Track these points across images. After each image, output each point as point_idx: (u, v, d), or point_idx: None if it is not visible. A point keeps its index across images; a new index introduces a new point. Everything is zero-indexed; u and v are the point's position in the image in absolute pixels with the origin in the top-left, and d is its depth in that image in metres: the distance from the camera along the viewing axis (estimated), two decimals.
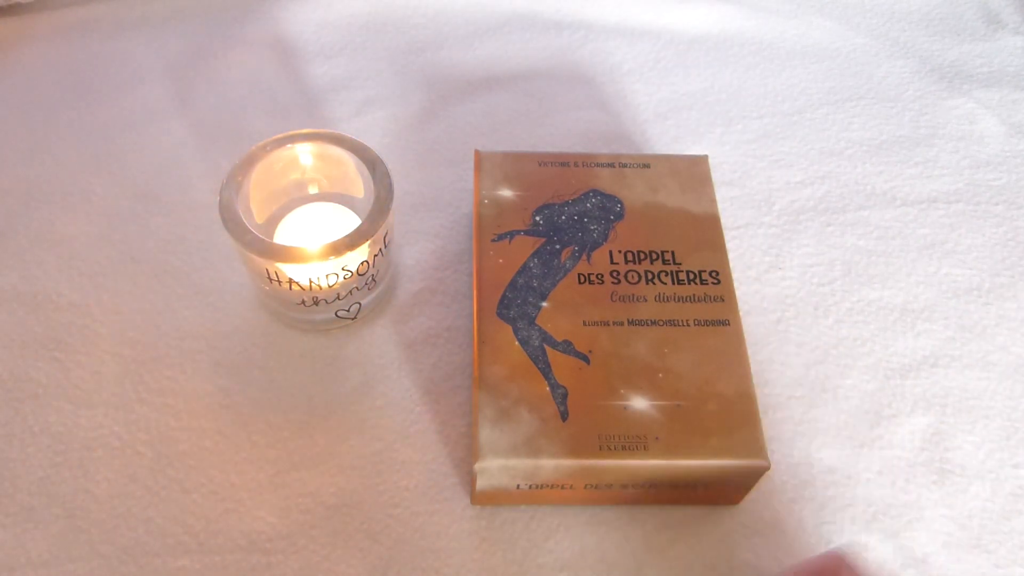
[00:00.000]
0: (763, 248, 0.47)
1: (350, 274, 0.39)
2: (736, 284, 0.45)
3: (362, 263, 0.38)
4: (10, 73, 0.53)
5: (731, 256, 0.46)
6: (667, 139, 0.52)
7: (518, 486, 0.35)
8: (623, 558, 0.37)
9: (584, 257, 0.40)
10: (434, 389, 0.41)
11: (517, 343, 0.37)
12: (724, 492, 0.37)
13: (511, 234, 0.40)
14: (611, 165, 0.43)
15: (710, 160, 0.46)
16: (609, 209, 0.41)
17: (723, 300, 0.39)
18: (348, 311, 0.41)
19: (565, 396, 0.35)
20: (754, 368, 0.42)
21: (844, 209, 0.49)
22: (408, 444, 0.39)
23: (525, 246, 0.40)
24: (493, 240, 0.40)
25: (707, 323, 0.38)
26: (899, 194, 0.50)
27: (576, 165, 0.43)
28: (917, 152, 0.52)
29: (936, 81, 0.56)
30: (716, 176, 0.50)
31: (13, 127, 0.50)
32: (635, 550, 0.37)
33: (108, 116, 0.51)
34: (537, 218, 0.41)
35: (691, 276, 0.39)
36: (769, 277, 0.46)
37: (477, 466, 0.34)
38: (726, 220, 0.48)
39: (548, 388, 0.36)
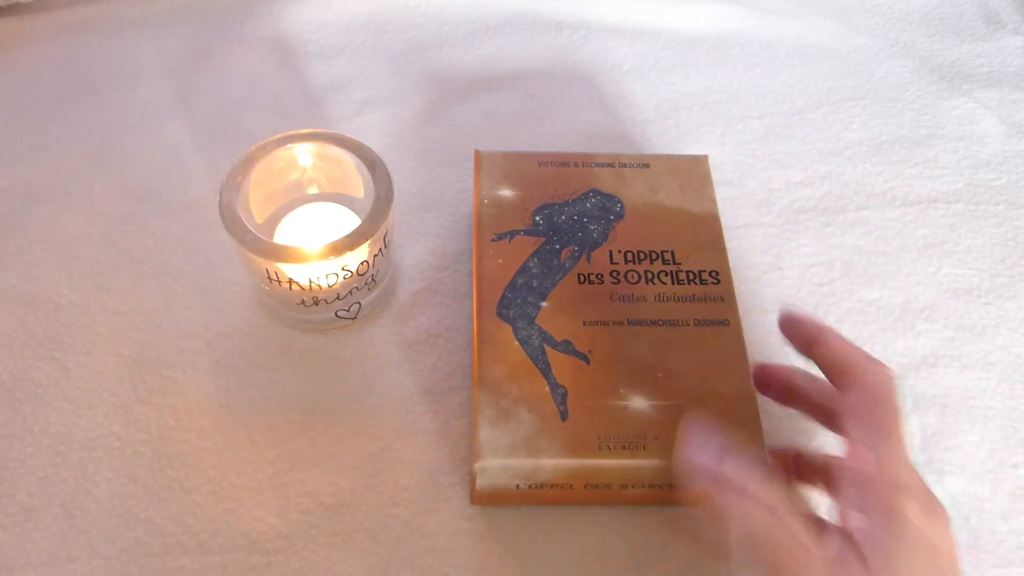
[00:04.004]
0: (763, 248, 0.47)
1: (350, 274, 0.39)
2: (736, 284, 0.45)
3: (362, 263, 0.38)
4: (10, 73, 0.53)
5: (731, 256, 0.46)
6: (667, 139, 0.52)
7: (517, 486, 0.35)
8: (623, 558, 0.37)
9: (584, 257, 0.40)
10: (434, 389, 0.41)
11: (517, 343, 0.37)
12: None
13: (511, 234, 0.40)
14: (611, 165, 0.43)
15: (710, 160, 0.46)
16: (609, 209, 0.41)
17: (723, 300, 0.39)
18: (348, 311, 0.41)
19: (565, 396, 0.35)
20: None
21: (844, 209, 0.49)
22: (408, 444, 0.39)
23: (525, 246, 0.40)
24: (493, 240, 0.40)
25: (707, 323, 0.38)
26: (899, 194, 0.50)
27: (576, 165, 0.43)
28: (917, 152, 0.52)
29: (936, 81, 0.56)
30: (716, 176, 0.50)
31: (13, 127, 0.50)
32: (635, 550, 0.37)
33: (108, 116, 0.51)
34: (537, 218, 0.41)
35: (691, 276, 0.39)
36: (769, 277, 0.46)
37: (477, 466, 0.34)
38: (726, 220, 0.48)
39: (548, 388, 0.35)
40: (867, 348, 0.43)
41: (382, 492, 0.38)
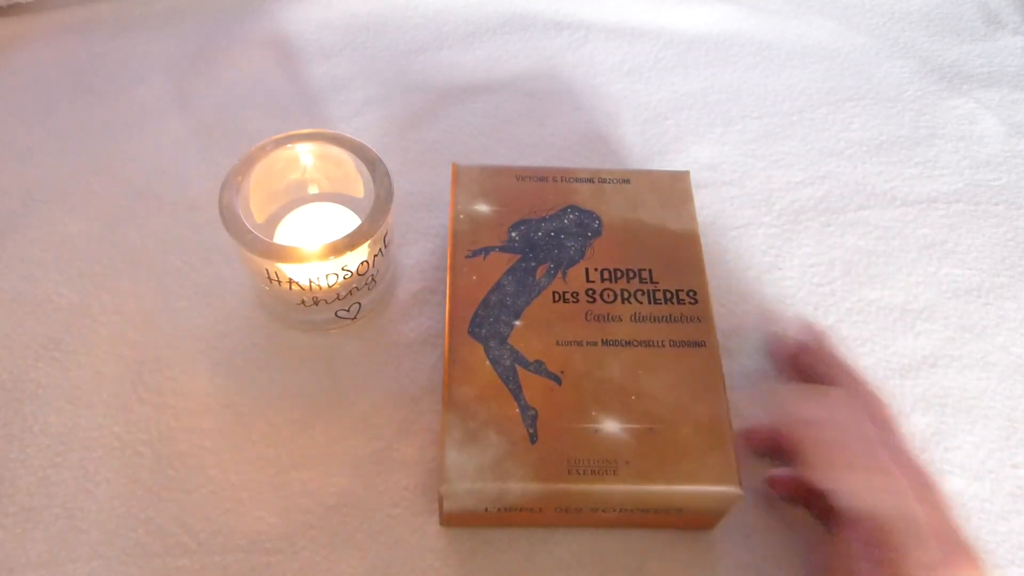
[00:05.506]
0: (763, 248, 0.47)
1: (350, 274, 0.39)
2: (736, 284, 0.45)
3: (362, 263, 0.39)
4: (10, 73, 0.53)
5: (731, 256, 0.46)
6: (667, 139, 0.52)
7: (486, 509, 0.35)
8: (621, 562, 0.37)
9: (559, 274, 0.39)
10: (434, 389, 0.41)
11: (488, 363, 0.36)
12: (697, 517, 0.36)
13: (486, 250, 0.39)
14: (590, 180, 0.42)
15: (710, 160, 0.46)
16: (587, 225, 0.41)
17: (700, 320, 0.38)
18: (348, 311, 0.41)
19: (535, 418, 0.34)
20: None
21: (844, 209, 0.49)
22: (408, 443, 0.39)
23: (500, 263, 0.39)
24: (467, 256, 0.39)
25: (683, 344, 0.37)
26: (899, 194, 0.50)
27: (555, 180, 0.42)
28: (917, 152, 0.52)
29: (936, 81, 0.56)
30: (716, 176, 0.50)
31: (13, 127, 0.50)
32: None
33: (108, 116, 0.51)
34: (513, 234, 0.40)
35: (668, 295, 0.38)
36: (769, 277, 0.46)
37: (442, 489, 0.33)
38: (726, 220, 0.48)
39: (518, 410, 0.35)
40: (867, 348, 0.43)
41: (382, 492, 0.38)
